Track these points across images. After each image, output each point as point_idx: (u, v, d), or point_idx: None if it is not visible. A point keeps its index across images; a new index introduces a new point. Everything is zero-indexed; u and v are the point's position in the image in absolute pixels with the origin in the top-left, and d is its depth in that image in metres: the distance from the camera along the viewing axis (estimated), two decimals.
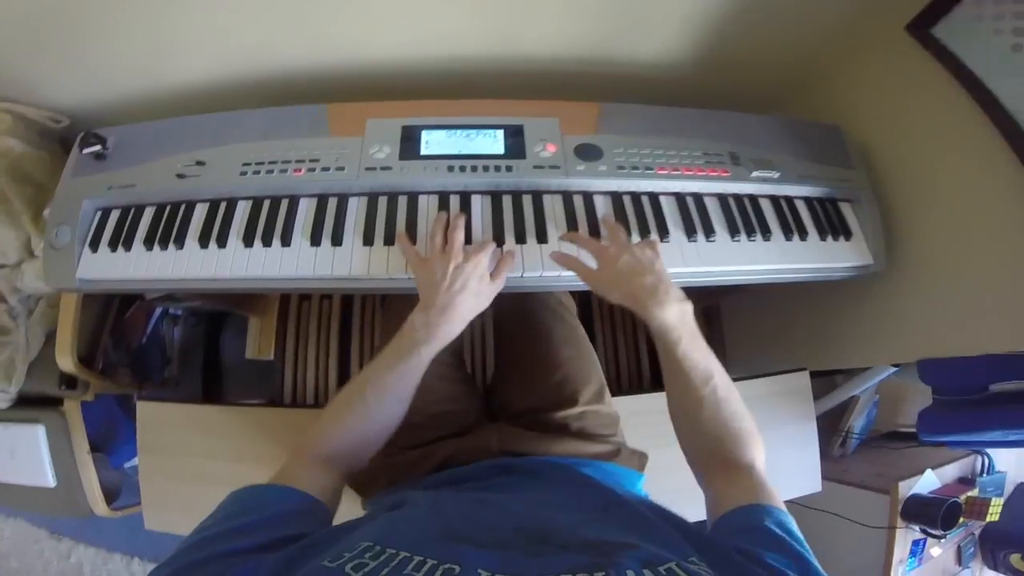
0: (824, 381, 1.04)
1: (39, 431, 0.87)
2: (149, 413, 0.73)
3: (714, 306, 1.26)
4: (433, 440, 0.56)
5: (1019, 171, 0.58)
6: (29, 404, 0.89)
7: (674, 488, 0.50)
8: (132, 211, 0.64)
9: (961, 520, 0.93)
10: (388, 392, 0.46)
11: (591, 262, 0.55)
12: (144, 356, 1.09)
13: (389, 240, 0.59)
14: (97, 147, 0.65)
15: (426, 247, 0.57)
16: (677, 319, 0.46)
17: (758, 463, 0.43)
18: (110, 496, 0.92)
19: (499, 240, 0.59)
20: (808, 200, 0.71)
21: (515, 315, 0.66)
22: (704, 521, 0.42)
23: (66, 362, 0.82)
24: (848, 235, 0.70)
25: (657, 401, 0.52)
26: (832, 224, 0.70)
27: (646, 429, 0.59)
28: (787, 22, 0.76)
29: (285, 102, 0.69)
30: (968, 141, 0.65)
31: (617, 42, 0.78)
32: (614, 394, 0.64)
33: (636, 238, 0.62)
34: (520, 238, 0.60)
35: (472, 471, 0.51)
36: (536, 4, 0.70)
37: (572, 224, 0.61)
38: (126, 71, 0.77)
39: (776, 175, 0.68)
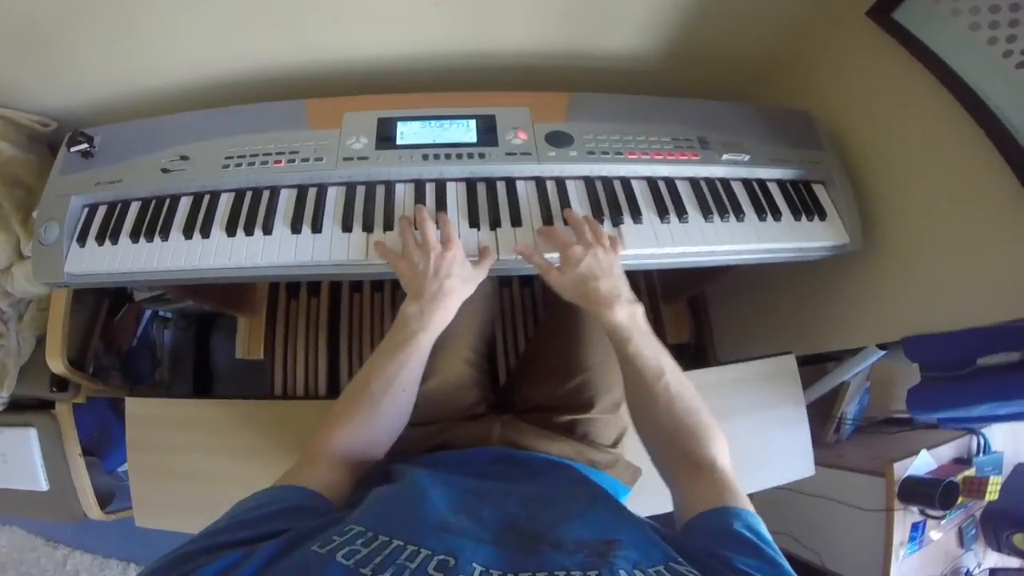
0: (815, 369, 1.06)
1: (31, 435, 0.88)
2: (138, 409, 0.74)
3: (700, 295, 1.28)
4: (438, 420, 0.58)
5: (986, 144, 0.60)
6: (21, 408, 0.90)
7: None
8: (119, 206, 0.67)
9: (960, 500, 0.93)
10: (392, 383, 0.48)
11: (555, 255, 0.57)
12: (135, 359, 1.11)
13: (367, 227, 0.61)
14: (84, 145, 0.68)
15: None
16: (627, 319, 0.50)
17: (720, 459, 0.45)
18: (104, 500, 0.93)
19: (475, 225, 0.62)
20: (780, 182, 0.74)
21: (559, 311, 0.68)
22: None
23: (56, 364, 0.84)
24: (823, 215, 0.72)
25: None
26: (806, 205, 0.72)
27: None
28: (752, 11, 0.79)
29: (266, 99, 0.72)
30: (935, 119, 0.67)
31: (586, 35, 0.81)
32: None
33: (608, 224, 0.64)
34: (495, 223, 0.62)
35: (467, 456, 0.52)
36: (505, 3, 0.73)
37: (546, 208, 0.64)
38: (111, 74, 0.80)
39: (746, 158, 0.71)
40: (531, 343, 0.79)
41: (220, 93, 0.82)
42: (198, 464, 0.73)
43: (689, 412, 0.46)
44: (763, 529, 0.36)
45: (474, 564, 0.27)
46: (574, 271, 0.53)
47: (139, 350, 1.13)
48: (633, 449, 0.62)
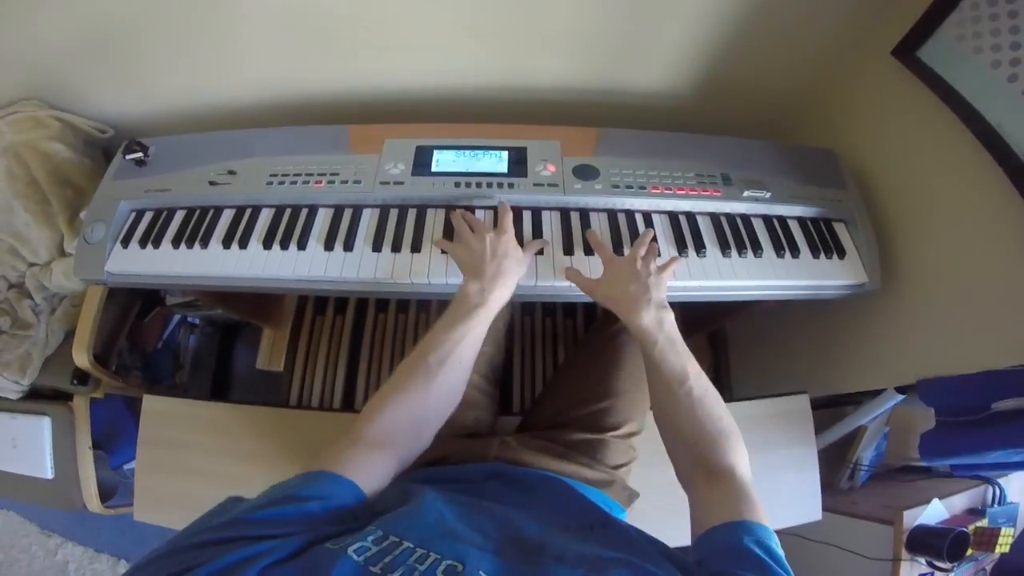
0: (833, 412, 1.05)
1: (45, 423, 0.91)
2: (154, 406, 0.77)
3: (720, 331, 1.29)
4: (437, 435, 0.58)
5: (1008, 187, 0.61)
6: (39, 397, 0.94)
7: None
8: (164, 213, 0.72)
9: (970, 552, 0.90)
10: (450, 356, 0.48)
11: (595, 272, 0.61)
12: (157, 360, 1.15)
13: (396, 248, 0.66)
14: (139, 154, 0.74)
15: (430, 258, 0.65)
16: (654, 324, 0.51)
17: (739, 468, 0.45)
18: (105, 494, 0.95)
19: None
20: (801, 220, 0.76)
21: (603, 335, 0.71)
22: (686, 547, 0.43)
23: (82, 358, 0.88)
24: (842, 253, 0.73)
25: None
26: (825, 243, 0.74)
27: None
28: (778, 51, 0.83)
29: (312, 121, 0.78)
30: (958, 159, 0.68)
31: (618, 72, 0.86)
32: None
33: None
34: None
35: (462, 472, 0.53)
36: (544, 39, 0.79)
37: (567, 238, 0.67)
38: (171, 89, 0.87)
39: (767, 195, 0.73)
40: (566, 361, 0.81)
41: (270, 114, 0.89)
42: (205, 464, 0.75)
43: (711, 418, 0.47)
44: (774, 544, 0.36)
45: (481, 572, 0.28)
46: (611, 273, 0.57)
47: (162, 352, 1.17)
48: (636, 477, 0.63)
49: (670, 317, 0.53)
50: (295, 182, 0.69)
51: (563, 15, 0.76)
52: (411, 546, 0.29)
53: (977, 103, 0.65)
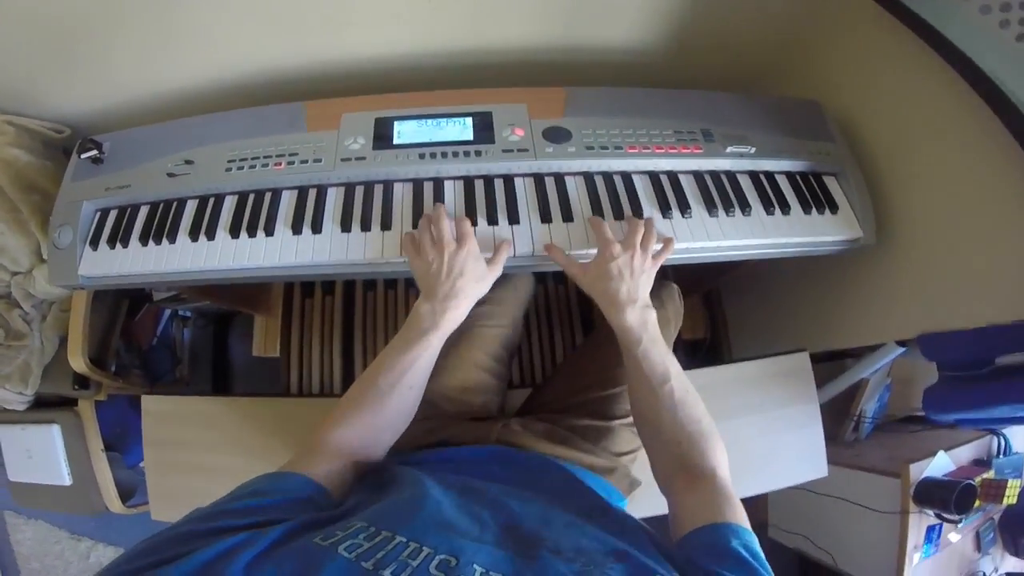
0: (833, 365, 1.02)
1: (54, 431, 0.91)
2: (154, 406, 0.76)
3: (714, 290, 1.25)
4: (443, 416, 0.58)
5: (1004, 134, 0.56)
6: (45, 406, 0.93)
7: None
8: (128, 210, 0.68)
9: (977, 503, 0.89)
10: (399, 381, 0.47)
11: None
12: (155, 357, 1.14)
13: (365, 227, 0.61)
14: (94, 152, 0.70)
15: (401, 233, 0.60)
16: (637, 323, 0.50)
17: (720, 470, 0.44)
18: (125, 495, 0.95)
19: (472, 223, 0.60)
20: (789, 174, 0.71)
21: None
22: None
23: (78, 362, 0.86)
24: (834, 208, 0.69)
25: None
26: (816, 197, 0.69)
27: None
28: (754, 1, 0.75)
29: (268, 101, 0.72)
30: (948, 107, 0.64)
31: (585, 27, 0.78)
32: None
33: (611, 221, 0.62)
34: (492, 220, 0.61)
35: (464, 453, 0.52)
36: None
37: (544, 205, 0.62)
38: (121, 81, 0.81)
39: (752, 150, 0.68)
40: (581, 347, 0.78)
41: (224, 97, 0.83)
42: (213, 460, 0.75)
43: (691, 419, 0.46)
44: (758, 547, 0.36)
45: (475, 565, 0.27)
46: (602, 267, 0.52)
47: (159, 348, 1.15)
48: (638, 466, 0.61)
49: (654, 316, 0.51)
50: (254, 166, 0.65)
51: None
52: (404, 540, 0.28)
53: (968, 50, 0.60)
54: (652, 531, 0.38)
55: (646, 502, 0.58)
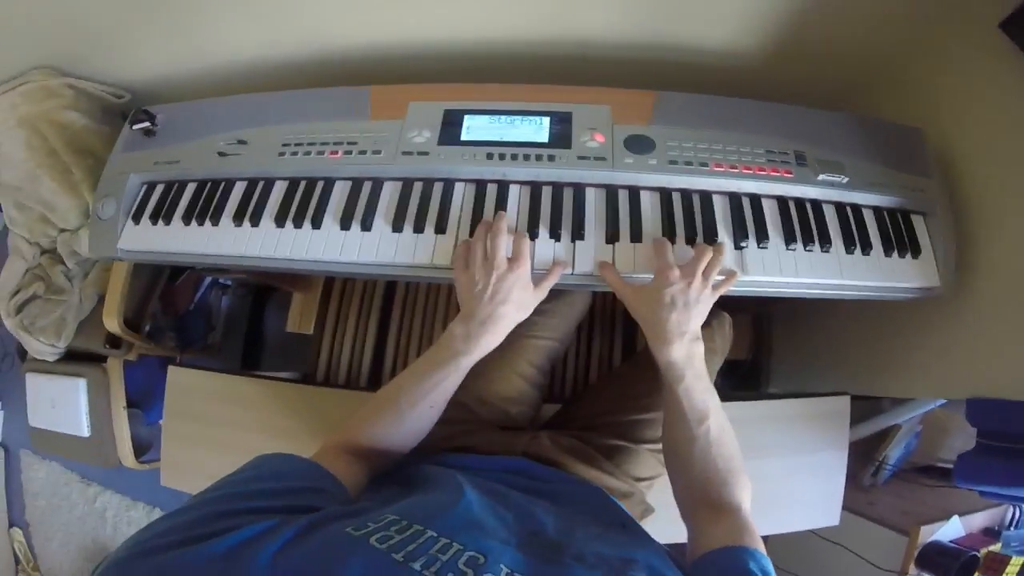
0: (868, 405, 0.94)
1: (81, 384, 0.90)
2: (179, 378, 0.74)
3: (765, 314, 1.16)
4: (470, 421, 0.55)
5: None
6: (76, 359, 0.92)
7: None
8: (175, 186, 0.63)
9: None
10: (421, 400, 0.45)
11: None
12: (190, 322, 1.11)
13: (419, 228, 0.55)
14: (146, 124, 0.65)
15: (456, 239, 0.54)
16: (683, 359, 0.46)
17: (745, 503, 0.43)
18: (141, 450, 0.95)
19: (532, 234, 0.54)
20: (877, 210, 0.61)
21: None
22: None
23: (112, 324, 0.84)
24: (916, 252, 0.60)
25: None
26: (900, 238, 0.60)
27: None
28: (867, 11, 0.65)
29: (333, 84, 0.66)
30: None
31: (679, 27, 0.69)
32: None
33: (681, 243, 0.55)
34: (554, 234, 0.54)
35: (487, 462, 0.49)
36: None
37: (612, 222, 0.55)
38: (185, 50, 0.75)
39: (844, 180, 0.59)
40: (621, 367, 0.75)
41: (290, 74, 0.76)
42: (228, 436, 0.73)
43: (724, 457, 0.44)
44: (772, 571, 0.35)
45: (502, 565, 0.27)
46: (656, 293, 0.47)
47: (195, 314, 1.13)
48: (654, 493, 0.58)
49: (701, 350, 0.47)
50: (309, 152, 0.58)
51: None
52: (434, 535, 0.27)
53: None
54: (668, 550, 0.37)
55: (660, 529, 0.54)
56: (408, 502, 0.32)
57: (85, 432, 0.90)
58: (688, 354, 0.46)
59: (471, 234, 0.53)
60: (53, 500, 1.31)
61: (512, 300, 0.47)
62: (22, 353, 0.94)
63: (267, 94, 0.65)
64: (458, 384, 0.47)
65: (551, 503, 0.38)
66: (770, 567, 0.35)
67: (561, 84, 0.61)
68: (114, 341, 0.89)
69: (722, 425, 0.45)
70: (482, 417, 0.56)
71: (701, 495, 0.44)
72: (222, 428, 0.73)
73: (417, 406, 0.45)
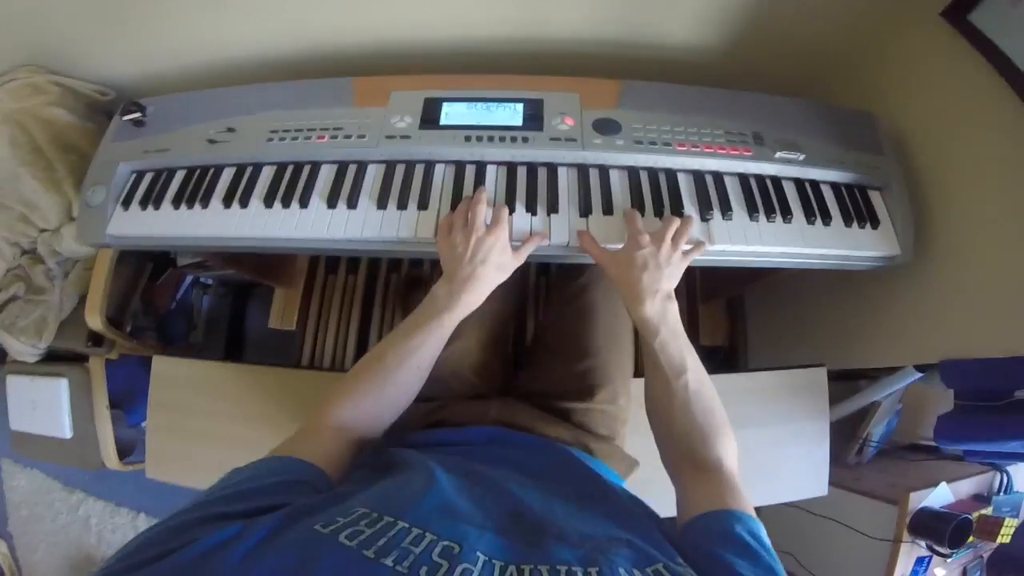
0: (847, 385, 0.99)
1: (62, 384, 0.90)
2: (163, 368, 0.75)
3: (738, 297, 1.21)
4: (438, 396, 0.56)
5: None
6: (56, 359, 0.92)
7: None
8: (164, 174, 0.66)
9: (971, 539, 0.86)
10: (408, 358, 0.46)
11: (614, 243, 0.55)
12: (171, 321, 1.12)
13: (402, 205, 0.59)
14: (136, 114, 0.68)
15: (438, 215, 0.57)
16: (658, 315, 0.48)
17: (727, 460, 0.44)
18: (123, 452, 0.94)
19: (510, 209, 0.58)
20: (835, 185, 0.67)
21: (567, 292, 0.66)
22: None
23: (95, 321, 0.85)
24: (875, 223, 0.66)
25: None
26: (859, 211, 0.66)
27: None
28: (822, 4, 0.73)
29: (315, 76, 0.70)
30: (1006, 133, 0.61)
31: (644, 22, 0.76)
32: None
33: (651, 216, 0.60)
34: (530, 208, 0.59)
35: (463, 435, 0.50)
36: None
37: (585, 197, 0.60)
38: (171, 47, 0.79)
39: (801, 157, 0.65)
40: (539, 326, 0.76)
41: (273, 69, 0.81)
42: (214, 425, 0.73)
43: (705, 412, 0.45)
44: (763, 534, 0.35)
45: (478, 552, 0.26)
46: (628, 256, 0.51)
47: (176, 313, 1.14)
48: (631, 443, 0.60)
49: (674, 308, 0.50)
50: (296, 138, 0.62)
51: None
52: (406, 526, 0.27)
53: None
54: (653, 512, 0.38)
55: (654, 503, 0.56)
56: (378, 490, 0.31)
57: (67, 433, 0.90)
58: (662, 310, 0.48)
59: (452, 210, 0.57)
60: (36, 509, 1.28)
61: (491, 261, 0.50)
62: (2, 355, 0.94)
63: (254, 85, 0.69)
64: (442, 344, 0.49)
65: (528, 477, 0.39)
66: (758, 527, 0.35)
67: (534, 75, 0.67)
68: (96, 340, 0.90)
69: (700, 379, 0.47)
70: (444, 390, 0.57)
71: (685, 452, 0.45)
72: (208, 417, 0.73)
73: (403, 365, 0.46)
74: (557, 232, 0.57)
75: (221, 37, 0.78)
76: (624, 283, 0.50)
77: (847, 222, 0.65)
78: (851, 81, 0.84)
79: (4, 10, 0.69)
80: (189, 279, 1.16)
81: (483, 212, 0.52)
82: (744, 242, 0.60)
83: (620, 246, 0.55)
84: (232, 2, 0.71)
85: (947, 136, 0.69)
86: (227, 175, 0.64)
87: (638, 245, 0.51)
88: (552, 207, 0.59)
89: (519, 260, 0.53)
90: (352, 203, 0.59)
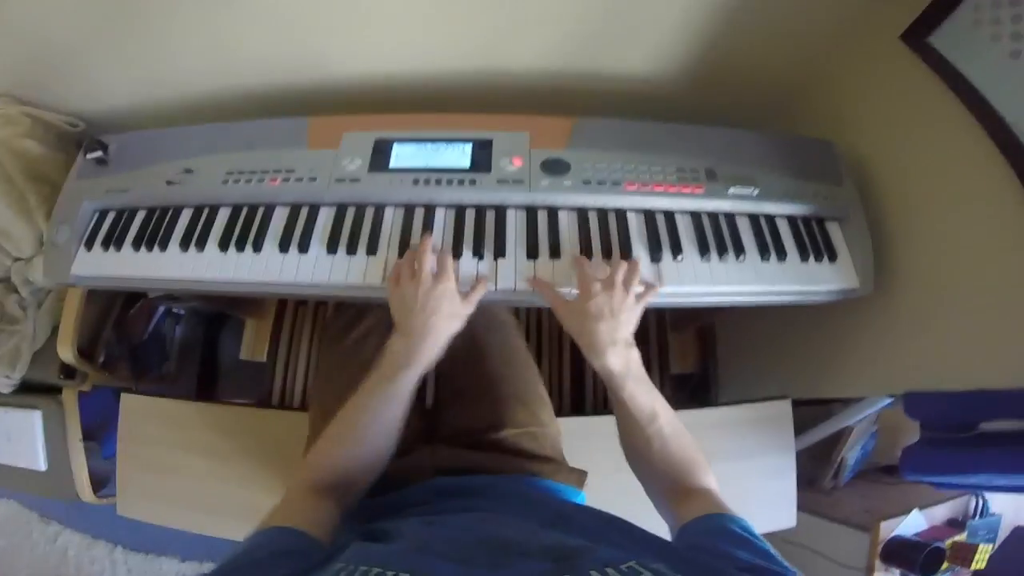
0: (820, 409, 1.00)
1: (36, 416, 0.91)
2: (132, 405, 0.77)
3: (709, 324, 1.22)
4: None
5: (1018, 190, 0.54)
6: (30, 391, 0.93)
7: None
8: (125, 214, 0.68)
9: (945, 566, 0.87)
10: (378, 417, 0.47)
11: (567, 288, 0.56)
12: (145, 352, 1.14)
13: (351, 250, 0.60)
14: (99, 153, 0.70)
15: (386, 260, 0.59)
16: (620, 366, 0.49)
17: (712, 487, 0.46)
18: (98, 484, 0.95)
19: (457, 253, 0.60)
20: (791, 218, 0.68)
21: (463, 334, 0.67)
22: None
23: (66, 353, 0.87)
24: (833, 256, 0.66)
25: (599, 424, 0.52)
26: (815, 244, 0.67)
27: (587, 454, 0.60)
28: (779, 33, 0.74)
29: (277, 111, 0.73)
30: (966, 158, 0.61)
31: (602, 56, 0.77)
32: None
33: (599, 259, 0.61)
34: (477, 252, 0.60)
35: (410, 495, 0.50)
36: (522, 19, 0.71)
37: (532, 239, 0.61)
38: (137, 81, 0.82)
39: (755, 192, 0.66)
40: (437, 370, 0.78)
41: (234, 104, 0.83)
42: (184, 462, 0.75)
43: (681, 449, 0.47)
44: (755, 530, 0.37)
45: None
46: (581, 306, 0.51)
47: (149, 343, 1.15)
48: (575, 459, 0.61)
49: (636, 355, 0.51)
50: (251, 180, 0.64)
51: None
52: (380, 570, 0.27)
53: (992, 97, 0.57)
54: (622, 519, 0.39)
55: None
56: (350, 551, 0.32)
57: (42, 466, 0.91)
58: (624, 360, 0.49)
59: (400, 255, 0.59)
60: (13, 539, 1.29)
61: (442, 311, 0.50)
62: None
63: (213, 125, 0.71)
64: (409, 399, 0.49)
65: (486, 513, 0.40)
66: (751, 526, 0.37)
67: (490, 112, 0.68)
68: (68, 371, 0.91)
69: (672, 420, 0.48)
70: None
71: (670, 486, 0.46)
72: (177, 453, 0.75)
73: (375, 423, 0.47)
74: (504, 277, 0.59)
75: (185, 73, 0.80)
76: (582, 335, 0.51)
77: (803, 256, 0.66)
78: (811, 110, 0.85)
79: None
80: (162, 309, 1.18)
81: (429, 261, 0.53)
82: (695, 283, 0.61)
83: (571, 292, 0.56)
84: (195, 39, 0.73)
85: (908, 164, 0.69)
86: (185, 217, 0.66)
87: (589, 294, 0.51)
88: (499, 251, 0.60)
89: (470, 307, 0.54)
90: (303, 247, 0.61)
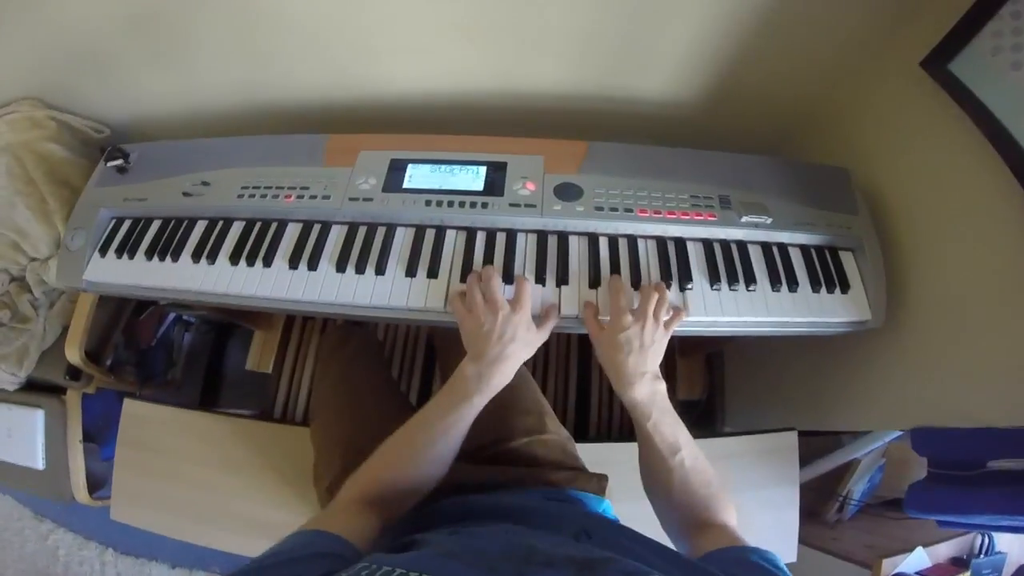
0: (828, 439, 0.99)
1: (38, 416, 0.93)
2: (134, 411, 0.78)
3: (718, 353, 1.22)
4: None
5: None
6: (35, 389, 0.95)
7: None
8: (141, 223, 0.71)
9: None
10: (438, 440, 0.48)
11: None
12: (152, 357, 1.16)
13: (360, 269, 0.62)
14: (120, 161, 0.73)
15: (393, 279, 0.61)
16: (647, 397, 0.50)
17: (731, 523, 0.47)
18: (95, 486, 0.97)
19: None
20: (804, 248, 0.68)
21: (450, 350, 0.68)
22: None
23: (73, 355, 0.89)
24: (845, 287, 0.66)
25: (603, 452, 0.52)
26: (828, 275, 0.66)
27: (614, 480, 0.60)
28: (795, 58, 0.75)
29: (297, 127, 0.75)
30: (981, 188, 0.61)
31: (618, 80, 0.79)
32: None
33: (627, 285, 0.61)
34: (508, 278, 0.61)
35: (431, 519, 0.50)
36: (539, 41, 0.73)
37: (542, 264, 0.62)
38: (163, 91, 0.85)
39: (768, 220, 0.66)
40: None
41: (258, 119, 0.86)
42: (182, 470, 0.76)
43: (702, 484, 0.48)
44: (779, 561, 0.37)
45: None
46: (613, 337, 0.53)
47: (157, 349, 1.17)
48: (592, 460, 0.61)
49: (662, 388, 0.52)
50: (265, 195, 0.66)
51: (560, 15, 0.69)
52: (403, 571, 0.28)
53: (1011, 125, 0.56)
54: (649, 538, 0.39)
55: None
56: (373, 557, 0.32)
57: (40, 465, 0.92)
58: (651, 392, 0.50)
59: (407, 274, 0.60)
60: (4, 536, 1.30)
61: (519, 339, 0.51)
62: None
63: (232, 139, 0.73)
64: (471, 422, 0.50)
65: (510, 526, 0.40)
66: (777, 558, 0.37)
67: (506, 135, 0.70)
68: (74, 373, 0.93)
69: (695, 454, 0.49)
70: None
71: (689, 519, 0.47)
72: (176, 462, 0.76)
73: (434, 447, 0.48)
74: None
75: (210, 87, 0.83)
76: (611, 367, 0.52)
77: (815, 287, 0.66)
78: (827, 137, 0.85)
79: (9, 45, 0.75)
80: (172, 316, 1.20)
81: (500, 287, 0.54)
82: (704, 312, 0.61)
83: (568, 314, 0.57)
84: (220, 55, 0.76)
85: (925, 193, 0.69)
86: (199, 228, 0.68)
87: (622, 325, 0.52)
88: (507, 276, 0.61)
89: (544, 335, 0.55)
90: (312, 265, 0.62)
